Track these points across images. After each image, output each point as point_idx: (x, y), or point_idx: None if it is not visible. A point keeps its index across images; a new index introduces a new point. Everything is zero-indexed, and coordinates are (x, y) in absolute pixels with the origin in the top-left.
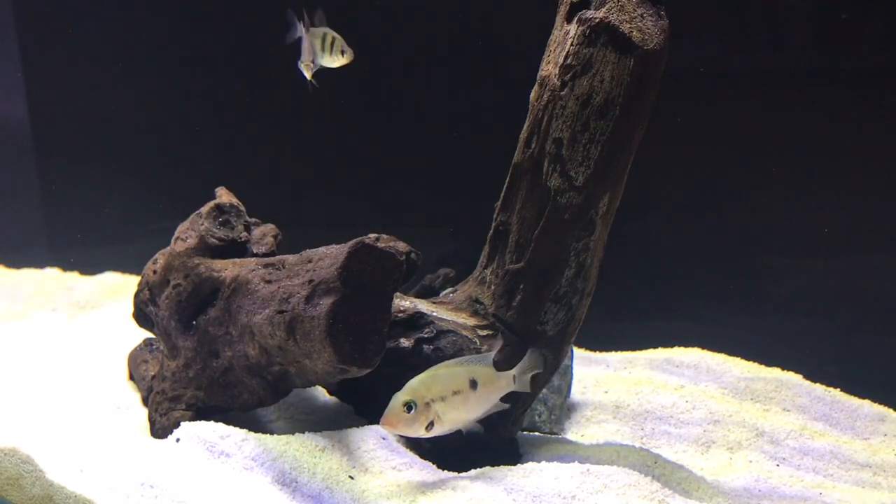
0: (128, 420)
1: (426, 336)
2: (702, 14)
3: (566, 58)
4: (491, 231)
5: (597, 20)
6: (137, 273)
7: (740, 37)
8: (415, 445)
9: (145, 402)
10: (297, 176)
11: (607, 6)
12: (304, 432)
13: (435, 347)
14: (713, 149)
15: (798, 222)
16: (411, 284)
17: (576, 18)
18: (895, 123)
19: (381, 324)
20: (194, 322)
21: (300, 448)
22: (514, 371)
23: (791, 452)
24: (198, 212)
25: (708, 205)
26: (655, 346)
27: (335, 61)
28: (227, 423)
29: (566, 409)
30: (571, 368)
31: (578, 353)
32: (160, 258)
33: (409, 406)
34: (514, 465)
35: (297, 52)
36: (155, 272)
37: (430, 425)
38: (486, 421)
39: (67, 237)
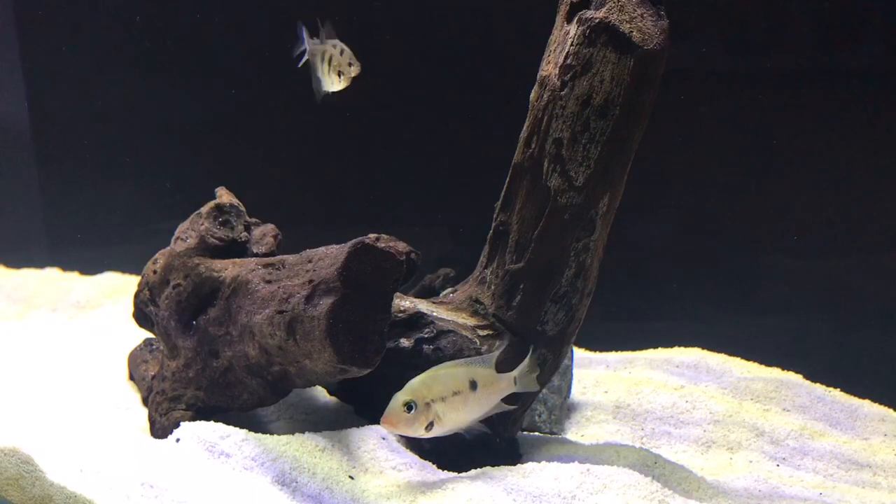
0: (128, 420)
1: (426, 336)
2: (701, 14)
3: (566, 58)
4: (491, 231)
5: (597, 20)
6: (137, 273)
7: (741, 37)
8: (415, 445)
9: (145, 402)
10: (297, 176)
11: (607, 6)
12: (304, 432)
13: (435, 347)
14: (713, 149)
15: (798, 222)
16: (411, 284)
17: (576, 18)
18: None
19: (381, 324)
20: (194, 322)
21: (300, 448)
22: (514, 373)
23: (791, 452)
24: (198, 212)
25: (708, 205)
26: (655, 346)
27: (336, 82)
28: (227, 423)
29: (566, 409)
30: (571, 368)
31: (578, 353)
32: (160, 258)
33: (409, 406)
34: (514, 465)
35: (303, 64)
36: (155, 272)
37: (430, 426)
38: (486, 421)
39: (67, 237)
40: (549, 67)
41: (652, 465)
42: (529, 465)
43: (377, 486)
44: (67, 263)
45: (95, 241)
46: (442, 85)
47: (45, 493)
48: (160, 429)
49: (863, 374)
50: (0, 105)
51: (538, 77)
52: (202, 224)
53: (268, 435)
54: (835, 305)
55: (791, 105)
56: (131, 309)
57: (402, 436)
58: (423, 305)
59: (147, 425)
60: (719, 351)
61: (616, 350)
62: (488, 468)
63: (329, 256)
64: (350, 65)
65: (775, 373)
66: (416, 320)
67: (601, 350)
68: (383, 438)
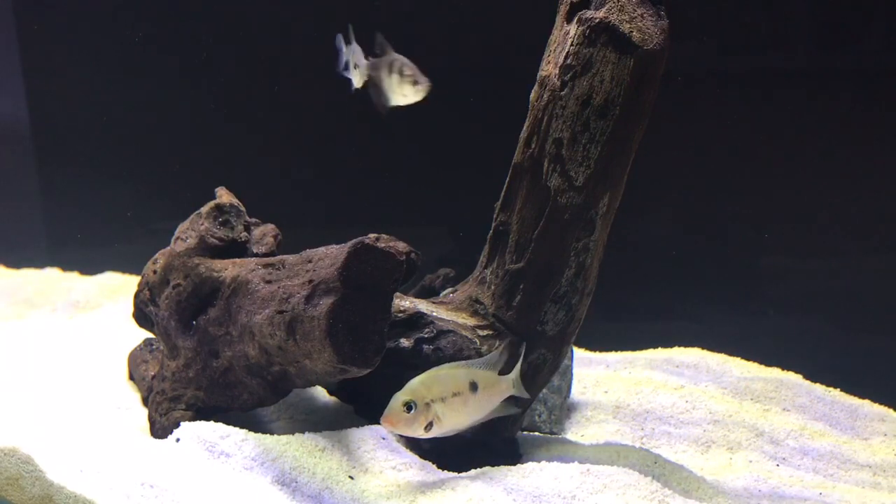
0: (128, 420)
1: (426, 336)
2: (701, 14)
3: (566, 58)
4: (491, 231)
5: (597, 20)
6: (137, 273)
7: (741, 37)
8: (415, 445)
9: (145, 402)
10: (297, 176)
11: (607, 6)
12: (304, 432)
13: (435, 347)
14: (713, 149)
15: (798, 222)
16: (411, 284)
17: (576, 18)
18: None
19: (381, 324)
20: (194, 322)
21: (300, 448)
22: (513, 375)
23: (791, 452)
24: (198, 212)
25: (708, 205)
26: (655, 346)
27: (408, 95)
28: (227, 423)
29: (566, 409)
30: (571, 368)
31: (578, 353)
32: (160, 258)
33: (409, 406)
34: (514, 465)
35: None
36: (155, 272)
37: (430, 426)
38: (486, 421)
39: (67, 237)
40: (549, 67)
41: (652, 465)
42: (529, 465)
43: (377, 486)
44: (67, 263)
45: (95, 241)
46: (442, 85)
47: (45, 493)
48: (160, 429)
49: (863, 374)
50: (0, 105)
51: (538, 77)
52: (202, 224)
53: (268, 435)
54: (835, 305)
55: (791, 105)
56: (131, 309)
57: (401, 436)
58: (423, 305)
59: (147, 425)
60: (719, 351)
61: (616, 350)
62: (488, 468)
63: (329, 256)
64: (417, 80)
65: (775, 373)
66: (416, 320)
67: (601, 350)
68: (383, 438)
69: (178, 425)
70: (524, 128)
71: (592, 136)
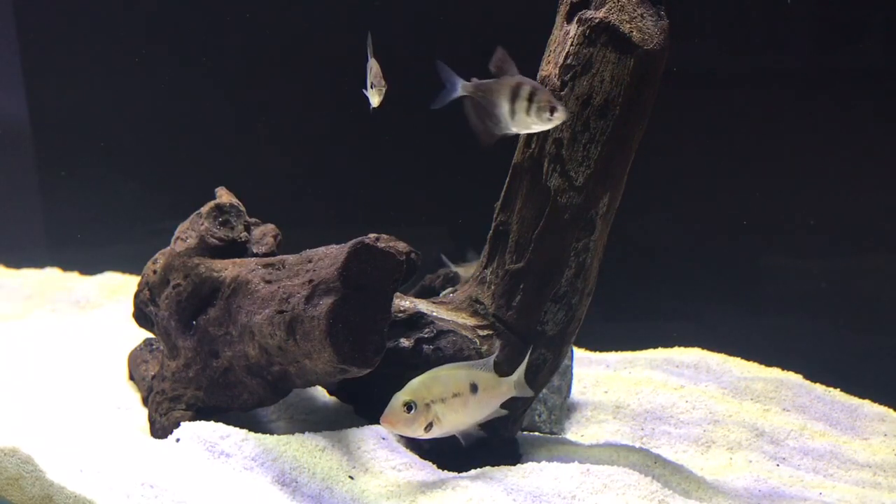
0: (128, 420)
1: (426, 336)
2: (701, 14)
3: (566, 58)
4: (491, 231)
5: (597, 20)
6: (137, 273)
7: (741, 36)
8: (415, 445)
9: (145, 402)
10: (297, 176)
11: (607, 6)
12: (304, 432)
13: (435, 347)
14: (713, 148)
15: (798, 222)
16: (411, 284)
17: (576, 18)
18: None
19: (381, 324)
20: (194, 322)
21: (300, 448)
22: (514, 377)
23: (791, 452)
24: (198, 212)
25: (708, 205)
26: (655, 346)
27: (538, 124)
28: (227, 423)
29: (566, 409)
30: (571, 368)
31: (578, 353)
32: (160, 258)
33: (409, 406)
34: (514, 465)
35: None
36: (155, 272)
37: (430, 426)
38: (487, 422)
39: (67, 237)
40: (549, 67)
41: (652, 465)
42: (529, 465)
43: (377, 486)
44: (67, 263)
45: (95, 241)
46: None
47: (45, 493)
48: (160, 429)
49: (863, 374)
50: (0, 105)
51: (538, 77)
52: (202, 224)
53: (268, 435)
54: (835, 305)
55: (791, 105)
56: (131, 309)
57: (401, 436)
58: (423, 305)
59: (147, 425)
60: (719, 351)
61: (616, 350)
62: (488, 468)
63: (329, 256)
64: (553, 106)
65: (775, 373)
66: (416, 320)
67: (601, 350)
68: (383, 438)
69: (178, 425)
70: None
71: (592, 136)
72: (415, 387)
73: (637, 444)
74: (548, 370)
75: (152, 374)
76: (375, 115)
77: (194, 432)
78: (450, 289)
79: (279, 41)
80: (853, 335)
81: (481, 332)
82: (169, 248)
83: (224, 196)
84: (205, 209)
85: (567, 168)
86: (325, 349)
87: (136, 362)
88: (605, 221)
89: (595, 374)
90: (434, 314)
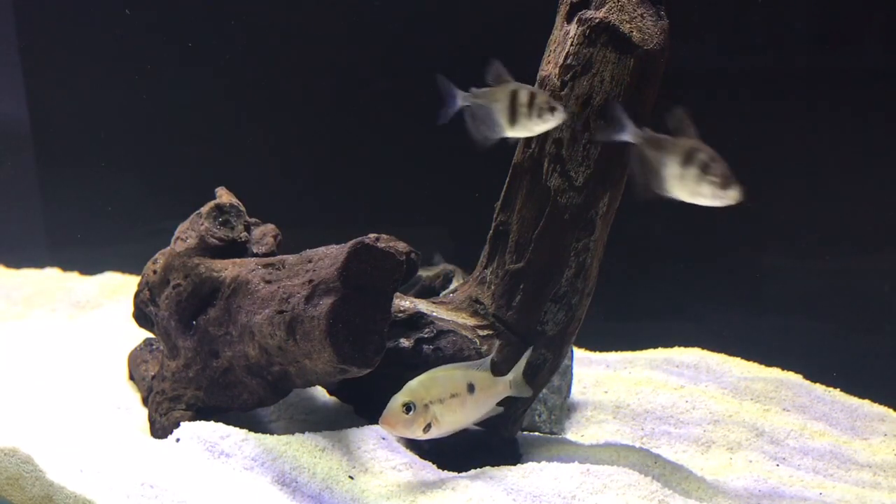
0: (128, 420)
1: (426, 336)
2: (702, 14)
3: (566, 58)
4: (491, 231)
5: (597, 20)
6: (137, 273)
7: (741, 36)
8: (415, 445)
9: (145, 402)
10: (297, 176)
11: (607, 6)
12: (304, 432)
13: (435, 347)
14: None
15: (798, 222)
16: (411, 284)
17: (576, 18)
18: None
19: (381, 324)
20: (194, 322)
21: (300, 448)
22: (509, 376)
23: (791, 452)
24: (198, 212)
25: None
26: (655, 346)
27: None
28: (227, 423)
29: (566, 409)
30: (571, 368)
31: (578, 353)
32: (160, 258)
33: (408, 407)
34: (514, 465)
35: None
36: (155, 272)
37: (428, 427)
38: (486, 421)
39: (67, 237)
40: (549, 67)
41: (652, 465)
42: (529, 465)
43: (377, 486)
44: (67, 263)
45: (95, 241)
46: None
47: (45, 493)
48: (160, 429)
49: (863, 374)
50: (0, 105)
51: (538, 77)
52: (202, 224)
53: (268, 435)
54: (835, 305)
55: (791, 104)
56: (131, 309)
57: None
58: (423, 305)
59: (147, 425)
60: (719, 351)
61: (616, 350)
62: (488, 468)
63: (329, 256)
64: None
65: (775, 373)
66: (416, 320)
67: (601, 350)
68: (383, 438)
69: (178, 425)
70: None
71: (593, 137)
72: (413, 388)
73: (637, 444)
74: (548, 370)
75: (152, 374)
76: (376, 116)
77: (194, 432)
78: (450, 288)
79: (280, 40)
80: (853, 335)
81: (481, 332)
82: (169, 248)
83: (224, 196)
84: (205, 209)
85: (567, 168)
86: (325, 349)
87: (136, 362)
88: (605, 221)
89: (595, 374)
90: (434, 314)
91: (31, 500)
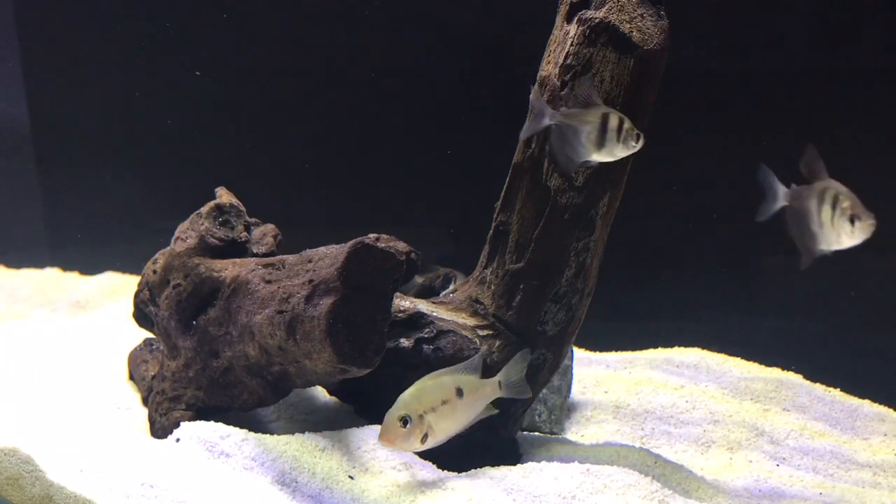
0: (128, 420)
1: (426, 336)
2: (701, 14)
3: (566, 58)
4: (491, 231)
5: (597, 20)
6: (137, 273)
7: (741, 36)
8: None
9: (145, 402)
10: (297, 176)
11: (607, 6)
12: (304, 432)
13: (435, 347)
14: (713, 148)
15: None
16: (411, 284)
17: (576, 18)
18: (895, 123)
19: (381, 324)
20: (194, 322)
21: (300, 448)
22: (498, 377)
23: (791, 452)
24: (198, 212)
25: (708, 204)
26: (655, 346)
27: (845, 236)
28: (227, 423)
29: (566, 409)
30: (571, 368)
31: (578, 353)
32: (160, 258)
33: (404, 420)
34: (514, 465)
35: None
36: (155, 272)
37: (425, 437)
38: (487, 421)
39: (67, 237)
40: (549, 67)
41: (652, 465)
42: (529, 465)
43: (377, 486)
44: (67, 263)
45: (95, 241)
46: (442, 85)
47: (45, 493)
48: (160, 429)
49: (863, 374)
50: (0, 105)
51: (538, 77)
52: (202, 224)
53: (268, 435)
54: (835, 305)
55: (791, 104)
56: (131, 309)
57: None
58: (423, 305)
59: (147, 425)
60: (719, 351)
61: (616, 350)
62: (488, 468)
63: (329, 256)
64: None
65: (775, 373)
66: (416, 320)
67: (601, 350)
68: None
69: (178, 425)
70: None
71: None
72: (406, 400)
73: (637, 444)
74: (548, 370)
75: (152, 374)
76: (375, 116)
77: (194, 432)
78: (450, 288)
79: (279, 41)
80: (853, 335)
81: (481, 332)
82: (169, 248)
83: (224, 196)
84: (205, 209)
85: None
86: (325, 349)
87: (136, 362)
88: (605, 221)
89: (595, 374)
90: (434, 314)
91: (31, 500)
